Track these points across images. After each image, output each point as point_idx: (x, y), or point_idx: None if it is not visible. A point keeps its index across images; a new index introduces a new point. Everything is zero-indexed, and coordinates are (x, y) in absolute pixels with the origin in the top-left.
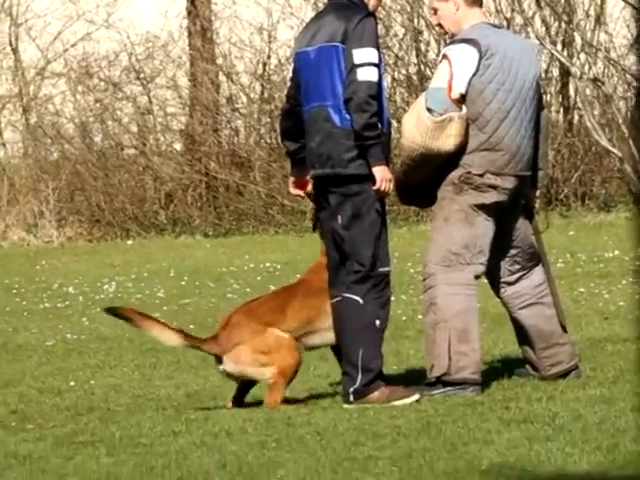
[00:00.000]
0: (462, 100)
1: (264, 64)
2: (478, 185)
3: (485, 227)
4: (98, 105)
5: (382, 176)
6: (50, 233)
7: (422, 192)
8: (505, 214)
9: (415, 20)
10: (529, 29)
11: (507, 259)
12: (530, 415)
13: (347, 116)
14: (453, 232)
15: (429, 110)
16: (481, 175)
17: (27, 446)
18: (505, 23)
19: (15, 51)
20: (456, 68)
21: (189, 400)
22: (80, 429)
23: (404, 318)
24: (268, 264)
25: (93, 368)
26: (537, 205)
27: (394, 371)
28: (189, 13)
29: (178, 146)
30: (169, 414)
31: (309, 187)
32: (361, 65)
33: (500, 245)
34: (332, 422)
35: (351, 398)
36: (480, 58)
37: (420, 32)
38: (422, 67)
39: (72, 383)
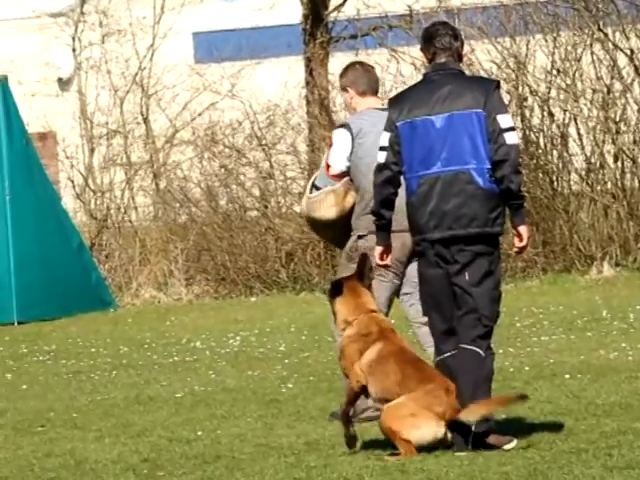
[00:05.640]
0: (344, 175)
1: None
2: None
3: (376, 286)
4: (223, 170)
5: (529, 234)
6: (179, 291)
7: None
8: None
9: (520, 87)
10: (628, 95)
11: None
12: (632, 462)
13: (490, 178)
14: None
15: (315, 187)
16: (364, 236)
17: None
18: (605, 90)
19: (146, 121)
20: (334, 149)
21: (309, 448)
22: (207, 477)
23: (511, 369)
24: None
25: (219, 418)
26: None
27: (500, 419)
28: (307, 83)
29: (298, 208)
30: (290, 462)
31: (389, 257)
32: (508, 130)
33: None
34: (444, 469)
35: (469, 445)
36: (352, 139)
37: (525, 99)
38: (527, 132)
39: (200, 433)
